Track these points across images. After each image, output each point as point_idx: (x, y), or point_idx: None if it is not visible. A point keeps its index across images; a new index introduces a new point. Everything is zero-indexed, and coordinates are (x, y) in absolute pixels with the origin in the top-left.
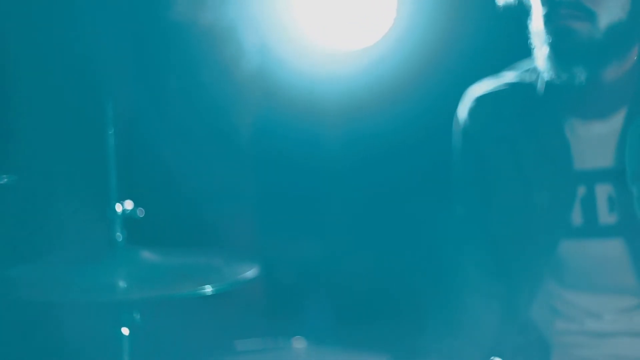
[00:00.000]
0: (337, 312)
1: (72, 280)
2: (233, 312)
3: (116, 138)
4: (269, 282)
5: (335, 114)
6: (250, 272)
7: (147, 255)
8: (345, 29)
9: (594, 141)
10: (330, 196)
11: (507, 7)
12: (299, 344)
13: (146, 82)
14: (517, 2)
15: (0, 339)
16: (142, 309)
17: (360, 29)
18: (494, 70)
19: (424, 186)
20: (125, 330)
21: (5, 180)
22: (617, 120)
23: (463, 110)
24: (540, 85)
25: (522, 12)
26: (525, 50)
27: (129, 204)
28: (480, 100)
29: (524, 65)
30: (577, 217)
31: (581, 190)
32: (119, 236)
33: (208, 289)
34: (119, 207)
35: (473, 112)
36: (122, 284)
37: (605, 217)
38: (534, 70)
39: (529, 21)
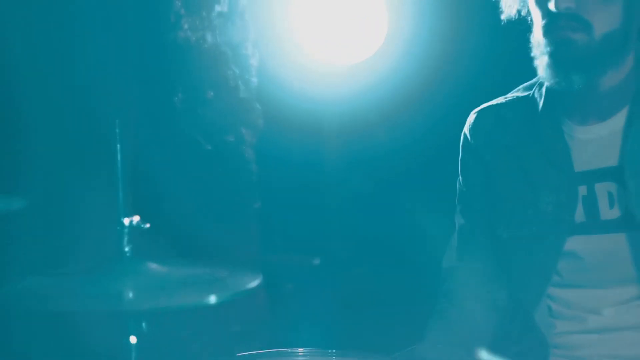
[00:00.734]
0: (339, 321)
1: (82, 291)
2: (237, 321)
3: (123, 155)
4: (271, 292)
5: (334, 128)
6: (253, 283)
7: (153, 266)
8: (340, 46)
9: (594, 143)
10: (331, 210)
11: (509, 21)
12: (301, 352)
13: (151, 100)
14: (517, 15)
15: (12, 348)
16: (149, 319)
17: (354, 44)
18: (497, 83)
19: (427, 202)
20: (132, 339)
21: (19, 204)
22: (615, 123)
23: (468, 125)
24: (541, 94)
25: (524, 25)
26: (526, 63)
27: (136, 218)
28: (484, 113)
29: (525, 83)
30: (579, 216)
31: (582, 190)
32: (127, 248)
33: (212, 299)
34: (126, 221)
35: (477, 125)
36: (129, 294)
37: (606, 213)
38: (534, 84)
39: (529, 33)
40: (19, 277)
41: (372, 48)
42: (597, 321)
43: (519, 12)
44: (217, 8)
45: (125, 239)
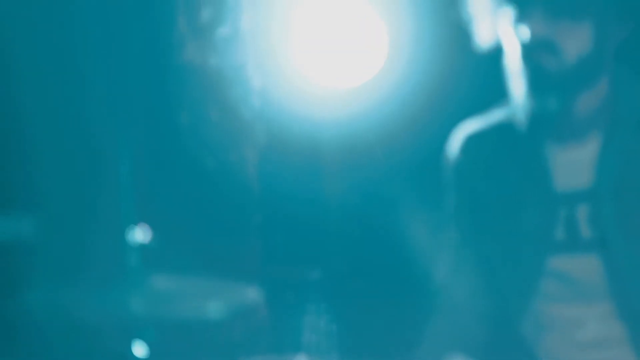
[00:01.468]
0: (341, 333)
1: (88, 302)
2: (240, 333)
3: (128, 173)
4: (274, 305)
5: (334, 149)
6: (256, 296)
7: (157, 279)
8: (340, 69)
9: (572, 164)
10: (331, 228)
11: (492, 49)
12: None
13: (156, 120)
14: (495, 44)
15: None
16: (155, 330)
17: (354, 67)
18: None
19: (427, 223)
20: (138, 351)
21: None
22: (592, 144)
23: (452, 149)
24: (520, 118)
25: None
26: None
27: (142, 233)
28: (467, 138)
29: (505, 103)
30: (560, 235)
31: (562, 210)
32: (132, 262)
33: (217, 312)
34: (132, 236)
35: (461, 149)
36: (136, 306)
37: (586, 233)
38: (514, 106)
39: (503, 60)
40: (28, 289)
41: (372, 71)
42: (582, 335)
43: (494, 37)
44: (221, 31)
45: (131, 252)
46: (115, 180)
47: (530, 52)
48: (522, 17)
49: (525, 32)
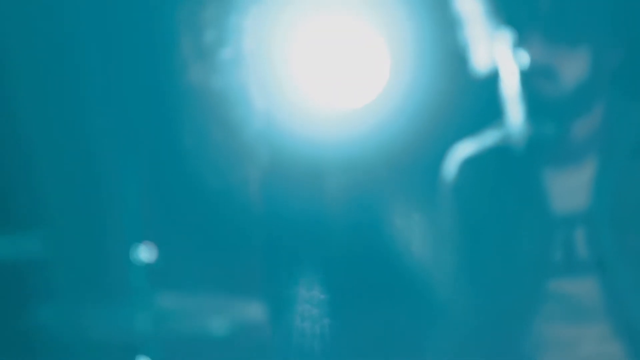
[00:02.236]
0: (344, 351)
1: (95, 320)
2: (244, 350)
3: (135, 193)
4: (277, 322)
5: (336, 170)
6: (259, 313)
7: (164, 296)
8: (342, 90)
9: (570, 187)
10: (334, 247)
11: (490, 73)
12: None
13: (161, 140)
14: (493, 68)
15: None
16: (159, 347)
17: (356, 89)
18: (486, 131)
19: (431, 243)
20: None
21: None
22: (589, 168)
23: (448, 171)
24: (517, 142)
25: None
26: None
27: (147, 251)
28: (464, 161)
29: (502, 126)
30: (558, 257)
31: (559, 234)
32: (136, 280)
33: (221, 328)
34: (139, 254)
35: (457, 172)
36: (141, 323)
37: (583, 255)
38: (511, 129)
39: (500, 84)
40: (34, 307)
41: (374, 93)
42: (580, 356)
43: (491, 61)
44: (223, 53)
45: (136, 271)
46: (120, 199)
47: (527, 76)
48: (519, 41)
49: (523, 56)
